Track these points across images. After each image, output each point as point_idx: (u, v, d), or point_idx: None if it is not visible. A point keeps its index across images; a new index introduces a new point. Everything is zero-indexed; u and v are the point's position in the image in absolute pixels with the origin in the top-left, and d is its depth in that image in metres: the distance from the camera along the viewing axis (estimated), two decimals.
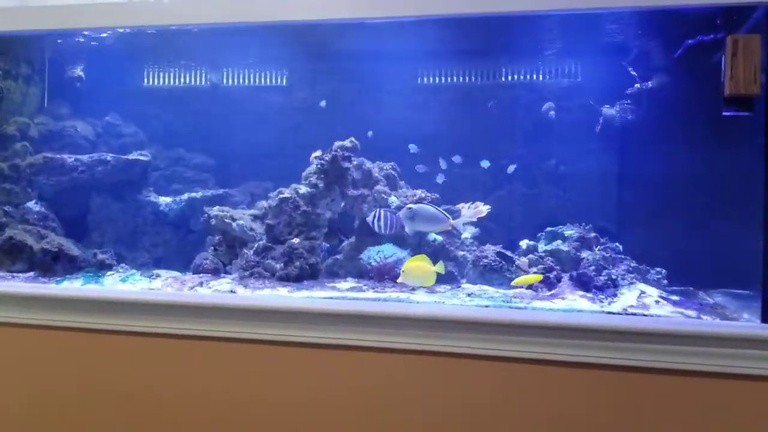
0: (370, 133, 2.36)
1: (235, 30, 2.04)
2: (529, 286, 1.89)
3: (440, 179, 2.38)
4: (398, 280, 1.90)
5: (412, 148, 2.39)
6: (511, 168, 2.40)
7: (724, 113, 1.56)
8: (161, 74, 2.73)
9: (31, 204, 2.32)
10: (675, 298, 1.77)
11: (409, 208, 2.01)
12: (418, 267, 1.89)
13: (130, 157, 2.48)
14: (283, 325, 1.64)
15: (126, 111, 2.76)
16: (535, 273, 1.94)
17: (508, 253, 2.06)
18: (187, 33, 2.17)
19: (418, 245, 2.14)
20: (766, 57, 1.49)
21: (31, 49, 2.61)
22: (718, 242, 1.90)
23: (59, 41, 2.52)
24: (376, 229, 2.07)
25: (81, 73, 2.73)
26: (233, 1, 1.79)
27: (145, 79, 2.74)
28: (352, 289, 1.89)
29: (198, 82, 2.73)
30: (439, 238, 2.13)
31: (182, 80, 2.73)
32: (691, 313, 1.62)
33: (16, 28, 1.94)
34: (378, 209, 2.10)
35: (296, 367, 1.63)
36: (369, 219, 2.08)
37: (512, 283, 1.91)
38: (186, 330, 1.69)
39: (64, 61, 2.71)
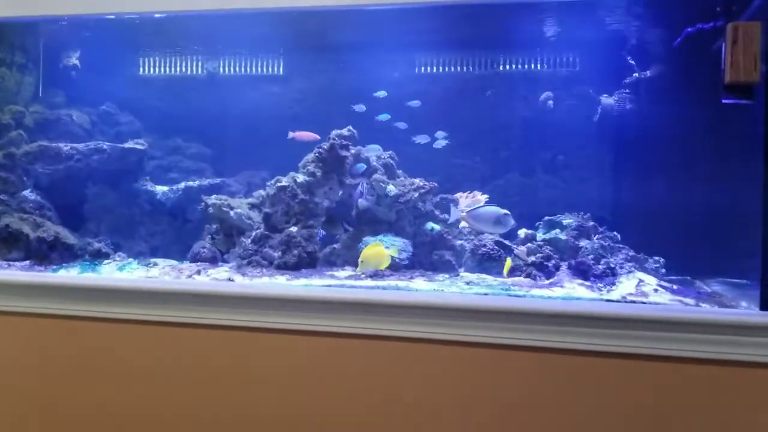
0: (403, 124, 2.36)
1: (232, 17, 2.02)
2: (528, 275, 1.89)
3: None
4: (357, 270, 1.90)
5: (359, 108, 2.39)
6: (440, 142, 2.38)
7: (724, 101, 1.55)
8: (157, 63, 2.71)
9: (27, 192, 2.31)
10: (673, 286, 1.77)
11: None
12: (374, 253, 1.91)
13: (126, 145, 2.47)
14: (281, 313, 1.63)
15: (122, 99, 2.75)
16: (532, 261, 1.94)
17: (507, 242, 2.06)
18: (183, 20, 2.15)
19: (415, 234, 2.14)
20: (767, 44, 1.49)
21: (26, 37, 2.59)
22: (716, 232, 1.90)
23: (54, 29, 2.50)
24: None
25: (76, 62, 2.71)
26: None
27: (141, 68, 2.73)
28: (350, 277, 1.88)
29: (194, 71, 2.71)
30: (437, 227, 2.12)
31: (179, 69, 2.71)
32: (690, 301, 1.62)
33: (9, 15, 1.91)
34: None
35: (294, 354, 1.63)
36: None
37: (504, 272, 1.91)
38: (184, 318, 1.68)
39: (59, 49, 2.69)
